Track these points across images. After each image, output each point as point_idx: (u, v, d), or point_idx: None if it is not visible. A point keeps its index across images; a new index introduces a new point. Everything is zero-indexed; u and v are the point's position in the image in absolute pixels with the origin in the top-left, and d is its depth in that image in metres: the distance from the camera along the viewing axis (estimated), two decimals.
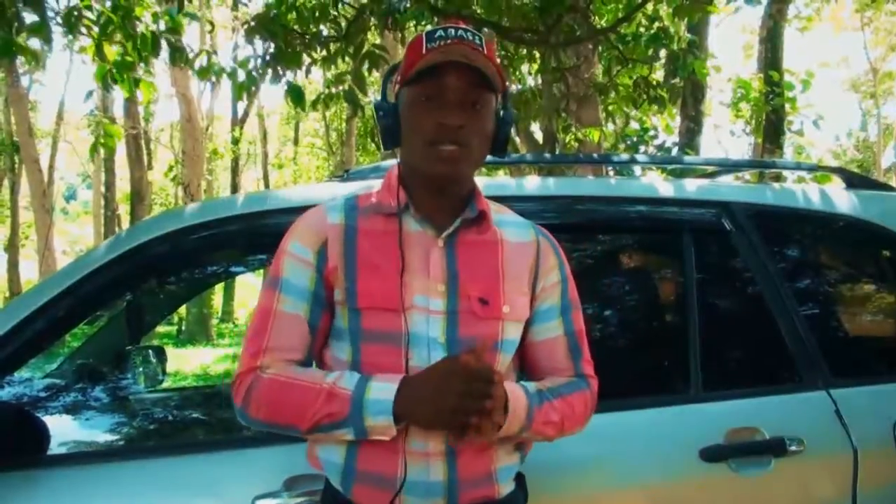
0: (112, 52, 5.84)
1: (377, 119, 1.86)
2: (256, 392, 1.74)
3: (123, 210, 25.61)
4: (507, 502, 1.81)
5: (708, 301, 2.67)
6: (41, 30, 5.41)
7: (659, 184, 2.95)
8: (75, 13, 5.60)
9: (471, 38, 1.73)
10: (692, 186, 2.88)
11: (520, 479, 1.89)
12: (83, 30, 5.76)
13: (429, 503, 1.72)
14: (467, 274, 1.80)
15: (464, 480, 1.73)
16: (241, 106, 25.54)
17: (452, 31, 1.73)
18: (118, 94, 6.24)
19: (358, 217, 1.83)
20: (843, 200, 2.88)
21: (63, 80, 62.71)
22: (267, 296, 1.81)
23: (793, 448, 2.36)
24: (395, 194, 1.82)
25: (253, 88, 6.17)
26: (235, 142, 26.20)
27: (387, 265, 1.77)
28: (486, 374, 1.63)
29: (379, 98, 1.88)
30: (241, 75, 6.12)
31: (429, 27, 1.85)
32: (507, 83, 1.99)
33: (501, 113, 1.85)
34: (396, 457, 1.71)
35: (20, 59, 6.38)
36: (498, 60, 1.84)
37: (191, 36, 24.37)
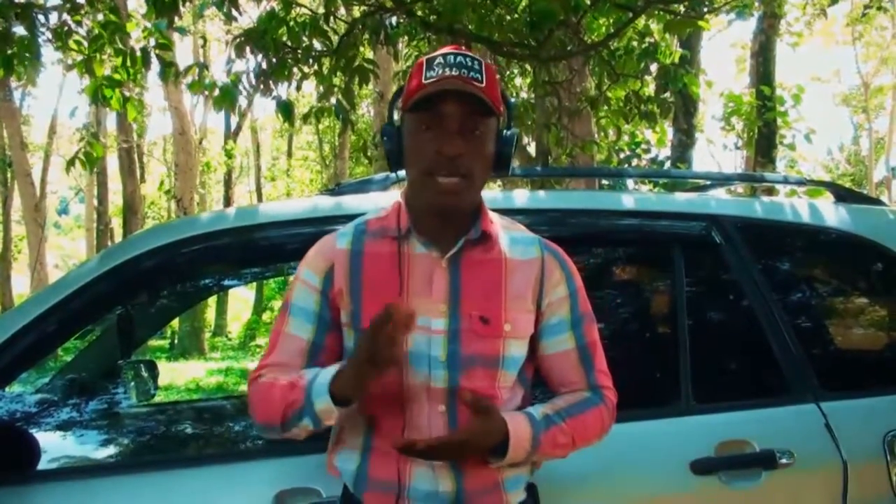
0: (101, 68, 5.84)
1: (382, 143, 1.92)
2: (250, 396, 1.87)
3: (116, 223, 25.61)
4: None
5: (698, 314, 2.67)
6: (30, 45, 5.42)
7: (648, 197, 2.96)
8: (65, 28, 5.61)
9: (469, 63, 1.78)
10: (681, 200, 2.89)
11: (531, 489, 1.95)
12: (73, 45, 5.77)
13: None
14: (469, 293, 1.84)
15: (471, 490, 1.81)
16: (234, 119, 25.55)
17: (451, 57, 1.78)
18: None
19: (366, 241, 1.90)
20: (832, 214, 2.89)
21: (56, 93, 62.71)
22: (279, 319, 1.94)
23: (783, 461, 2.36)
24: (402, 217, 1.88)
25: (242, 102, 6.17)
26: (228, 155, 26.19)
27: (389, 287, 1.83)
28: None
29: (378, 118, 1.93)
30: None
31: (429, 54, 1.88)
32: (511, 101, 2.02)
33: (504, 132, 1.89)
34: (405, 466, 1.80)
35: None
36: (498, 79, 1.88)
37: (184, 50, 24.39)
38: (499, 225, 1.95)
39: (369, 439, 1.85)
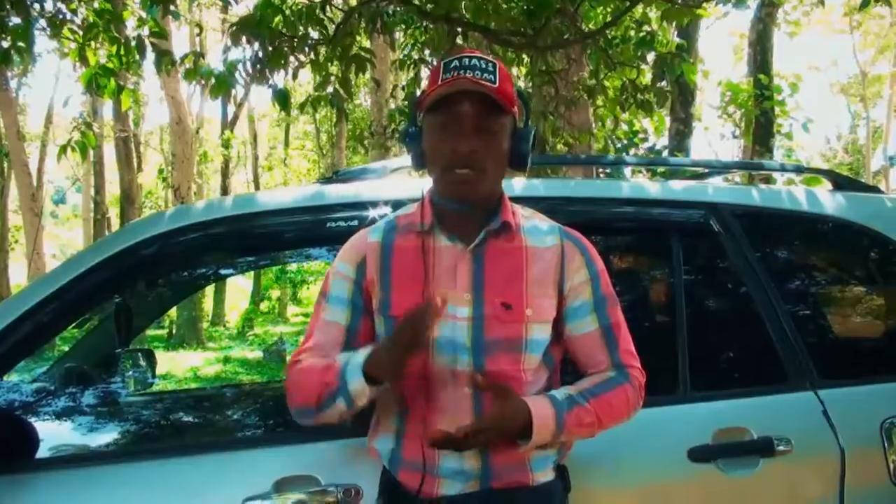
0: (96, 56, 5.83)
1: (405, 144, 2.06)
2: (288, 381, 2.00)
3: (113, 213, 25.51)
4: (543, 490, 1.97)
5: (696, 302, 2.68)
6: (25, 33, 5.39)
7: (646, 185, 2.96)
8: (60, 16, 5.59)
9: (483, 65, 1.90)
10: (679, 188, 2.89)
11: (561, 470, 2.04)
12: (68, 33, 5.75)
13: (463, 485, 1.92)
14: (492, 281, 1.95)
15: (497, 467, 1.92)
16: (231, 108, 25.47)
17: (466, 60, 1.90)
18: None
19: (395, 236, 2.03)
20: (830, 202, 2.89)
21: (52, 83, 62.57)
22: (317, 307, 2.08)
23: (780, 448, 2.37)
24: (426, 213, 2.00)
25: (239, 91, 6.15)
26: (225, 144, 26.11)
27: (417, 278, 1.95)
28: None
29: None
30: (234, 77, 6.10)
31: (443, 51, 1.96)
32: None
33: (520, 129, 1.99)
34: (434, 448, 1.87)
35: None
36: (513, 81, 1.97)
37: (181, 38, 24.30)
38: (520, 215, 2.05)
39: (402, 424, 1.97)
